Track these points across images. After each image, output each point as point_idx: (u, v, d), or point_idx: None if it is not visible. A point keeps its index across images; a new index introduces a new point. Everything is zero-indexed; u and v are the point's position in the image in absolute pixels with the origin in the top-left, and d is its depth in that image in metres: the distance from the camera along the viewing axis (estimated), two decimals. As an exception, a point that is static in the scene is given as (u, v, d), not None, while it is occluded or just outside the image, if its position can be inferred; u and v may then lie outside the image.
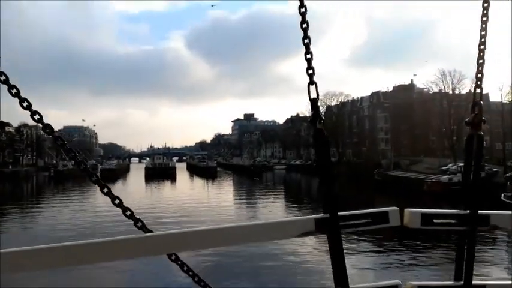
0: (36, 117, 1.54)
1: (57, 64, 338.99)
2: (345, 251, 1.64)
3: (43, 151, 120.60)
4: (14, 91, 1.47)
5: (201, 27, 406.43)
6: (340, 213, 1.56)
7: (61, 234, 23.27)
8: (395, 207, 1.62)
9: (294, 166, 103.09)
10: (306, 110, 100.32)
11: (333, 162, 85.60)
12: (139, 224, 1.64)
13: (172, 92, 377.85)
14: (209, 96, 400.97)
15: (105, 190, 1.62)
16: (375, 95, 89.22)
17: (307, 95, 1.61)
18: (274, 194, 48.09)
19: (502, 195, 30.97)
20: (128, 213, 1.65)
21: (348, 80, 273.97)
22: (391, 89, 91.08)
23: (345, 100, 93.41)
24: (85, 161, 1.78)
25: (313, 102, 1.61)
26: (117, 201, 1.63)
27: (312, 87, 1.61)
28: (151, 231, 1.57)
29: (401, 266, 16.55)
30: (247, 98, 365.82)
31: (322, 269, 14.34)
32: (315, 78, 1.62)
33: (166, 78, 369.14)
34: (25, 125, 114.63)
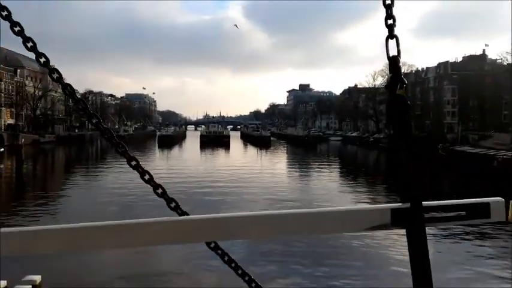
0: (55, 75, 1.32)
1: (122, 33, 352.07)
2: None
3: (106, 117, 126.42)
4: (29, 44, 1.28)
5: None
6: (424, 203, 1.25)
7: (118, 196, 24.42)
8: (499, 198, 1.29)
9: (350, 138, 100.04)
10: (365, 81, 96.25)
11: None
12: (173, 204, 1.39)
13: (229, 61, 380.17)
14: (265, 66, 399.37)
15: (134, 163, 1.37)
16: (442, 65, 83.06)
17: (385, 53, 1.27)
18: (329, 166, 46.66)
19: None
20: (160, 191, 1.41)
21: (414, 51, 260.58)
22: (460, 59, 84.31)
23: (409, 71, 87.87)
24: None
25: (393, 61, 1.27)
26: (147, 177, 1.39)
27: (392, 42, 1.28)
28: (186, 214, 1.35)
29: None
30: (303, 69, 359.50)
31: (395, 263, 12.23)
32: (396, 31, 1.28)
33: (224, 48, 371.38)
34: (90, 92, 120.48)
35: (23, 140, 68.01)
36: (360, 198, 25.13)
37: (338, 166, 48.37)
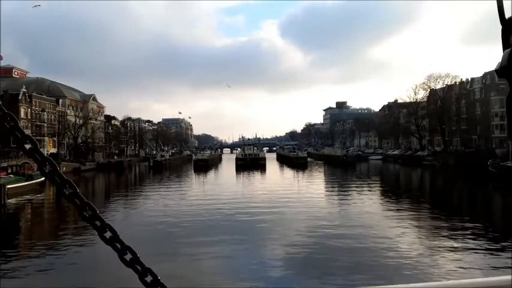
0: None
1: (160, 59, 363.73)
2: None
3: (144, 142, 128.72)
4: None
5: (294, 14, 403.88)
6: None
7: (157, 219, 24.91)
8: None
9: (392, 156, 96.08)
10: (405, 96, 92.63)
11: (438, 151, 77.65)
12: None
13: (265, 82, 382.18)
14: (301, 84, 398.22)
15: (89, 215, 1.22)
16: (488, 75, 78.43)
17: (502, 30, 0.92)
18: (370, 186, 44.00)
19: None
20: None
21: (459, 61, 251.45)
22: (507, 68, 79.58)
23: (452, 82, 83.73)
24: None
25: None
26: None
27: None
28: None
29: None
30: (339, 85, 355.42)
31: None
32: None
33: (260, 68, 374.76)
34: (128, 118, 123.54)
35: (64, 168, 69.56)
36: (403, 222, 22.78)
37: (379, 187, 45.56)
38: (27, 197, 38.35)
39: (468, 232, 19.32)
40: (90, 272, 14.25)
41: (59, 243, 19.13)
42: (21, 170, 48.97)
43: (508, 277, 1.35)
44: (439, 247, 16.89)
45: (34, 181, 46.75)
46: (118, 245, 1.23)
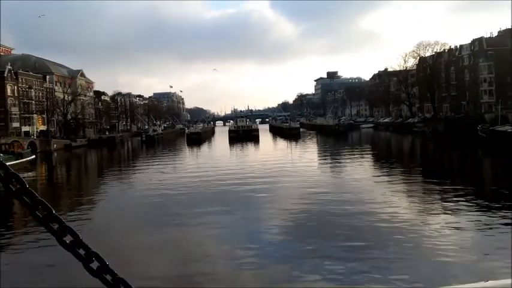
0: None
1: (149, 34, 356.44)
2: None
3: (136, 117, 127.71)
4: None
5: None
6: None
7: (152, 193, 25.06)
8: None
9: (383, 124, 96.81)
10: (395, 64, 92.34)
11: (428, 118, 78.18)
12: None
13: (255, 53, 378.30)
14: (291, 55, 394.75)
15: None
16: (477, 41, 78.31)
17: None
18: (362, 154, 44.51)
19: None
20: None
21: (447, 28, 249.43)
22: (495, 34, 79.28)
23: (441, 50, 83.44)
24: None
25: None
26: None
27: None
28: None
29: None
30: (330, 55, 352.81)
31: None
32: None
33: (250, 40, 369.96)
34: (119, 94, 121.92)
35: (55, 145, 69.12)
36: (395, 187, 23.34)
37: (371, 154, 46.13)
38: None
39: (459, 194, 19.80)
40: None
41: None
42: (11, 149, 48.62)
43: (508, 281, 1.41)
44: (430, 209, 17.35)
45: (24, 159, 46.50)
46: (81, 252, 1.06)
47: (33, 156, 50.87)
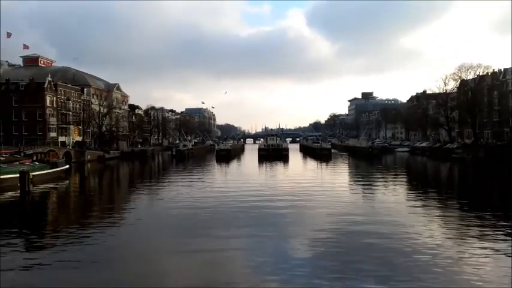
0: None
1: (184, 49, 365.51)
2: None
3: (167, 132, 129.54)
4: None
5: (321, 2, 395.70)
6: None
7: (180, 208, 24.98)
8: None
9: (419, 148, 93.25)
10: (435, 86, 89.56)
11: (468, 144, 74.60)
12: None
13: (289, 72, 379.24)
14: (327, 75, 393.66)
15: None
16: (523, 64, 74.73)
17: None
18: (396, 179, 42.46)
19: None
20: None
21: (491, 50, 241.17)
22: (544, 57, 75.57)
23: (484, 73, 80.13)
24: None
25: None
26: None
27: None
28: None
29: None
30: (366, 75, 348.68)
31: None
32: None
33: (285, 58, 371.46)
34: (152, 108, 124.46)
35: (89, 156, 70.49)
36: (430, 218, 21.54)
37: (406, 180, 43.91)
38: (52, 184, 38.62)
39: (500, 231, 17.94)
40: (111, 264, 14.08)
41: (83, 232, 18.93)
42: (46, 158, 49.54)
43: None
44: (468, 246, 15.75)
45: (59, 168, 47.23)
46: None
47: (67, 166, 51.72)
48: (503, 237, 16.60)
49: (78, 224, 21.22)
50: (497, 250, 14.78)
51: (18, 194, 30.99)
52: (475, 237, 16.75)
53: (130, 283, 12.21)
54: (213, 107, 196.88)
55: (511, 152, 58.09)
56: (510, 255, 14.10)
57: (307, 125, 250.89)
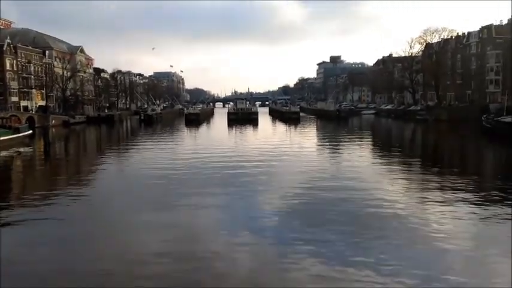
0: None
1: (152, 12, 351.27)
2: None
3: (135, 96, 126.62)
4: None
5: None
6: None
7: (147, 171, 25.03)
8: None
9: (385, 111, 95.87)
10: (401, 50, 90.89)
11: (432, 106, 77.17)
12: None
13: (259, 35, 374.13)
14: (296, 38, 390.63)
15: None
16: (486, 29, 76.74)
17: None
18: (361, 140, 43.90)
19: None
20: None
21: (455, 15, 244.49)
22: (505, 22, 77.66)
23: (449, 36, 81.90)
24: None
25: None
26: None
27: None
28: None
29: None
30: (335, 39, 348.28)
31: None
32: None
33: (254, 21, 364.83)
34: (119, 71, 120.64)
35: (53, 121, 68.49)
36: (393, 175, 22.77)
37: (371, 141, 45.49)
38: (15, 150, 37.57)
39: (458, 184, 19.30)
40: (78, 232, 13.86)
41: (49, 196, 18.75)
42: (8, 123, 47.94)
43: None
44: (428, 198, 16.84)
45: (21, 134, 45.89)
46: None
47: (31, 131, 50.22)
48: (461, 194, 17.42)
49: (43, 191, 20.43)
50: (456, 206, 15.62)
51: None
52: (435, 193, 17.65)
53: (99, 251, 11.88)
54: (181, 71, 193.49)
55: (472, 113, 60.68)
56: (467, 212, 14.90)
57: (276, 88, 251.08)
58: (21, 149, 38.82)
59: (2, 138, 40.12)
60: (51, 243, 12.63)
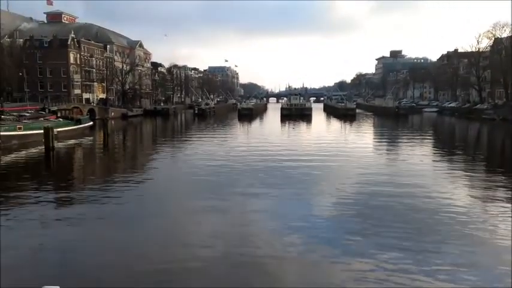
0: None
1: (210, 6, 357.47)
2: None
3: (190, 90, 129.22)
4: None
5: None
6: None
7: (203, 165, 24.95)
8: None
9: (448, 109, 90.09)
10: (468, 45, 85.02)
11: (499, 104, 71.41)
12: None
13: (317, 28, 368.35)
14: (353, 32, 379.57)
15: None
16: None
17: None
18: (422, 140, 41.19)
19: None
20: None
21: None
22: None
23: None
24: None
25: None
26: None
27: None
28: None
29: None
30: (397, 33, 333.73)
31: None
32: None
33: (313, 13, 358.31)
34: (175, 66, 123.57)
35: (112, 113, 71.23)
36: (456, 179, 20.76)
37: (432, 140, 42.57)
38: (76, 141, 39.18)
39: None
40: (134, 221, 14.11)
41: (108, 185, 19.69)
42: (71, 114, 50.24)
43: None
44: (494, 206, 15.34)
45: (83, 125, 47.85)
46: None
47: (91, 123, 52.38)
48: None
49: (102, 180, 21.40)
50: None
51: (43, 150, 31.49)
52: (502, 200, 16.12)
53: (151, 241, 12.11)
54: (236, 66, 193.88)
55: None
56: None
57: (332, 84, 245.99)
58: (83, 140, 40.47)
59: (64, 128, 41.98)
60: (111, 225, 13.61)
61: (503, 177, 21.08)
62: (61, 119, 46.43)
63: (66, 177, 23.06)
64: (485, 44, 79.33)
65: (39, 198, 16.79)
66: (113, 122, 65.26)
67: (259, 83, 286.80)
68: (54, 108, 56.02)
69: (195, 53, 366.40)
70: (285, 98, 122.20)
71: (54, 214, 14.86)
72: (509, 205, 15.15)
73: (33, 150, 32.51)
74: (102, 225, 13.51)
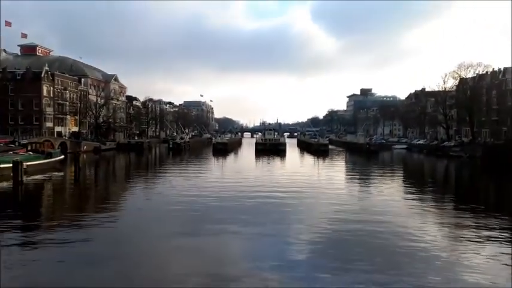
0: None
1: (188, 42, 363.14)
2: None
3: (165, 124, 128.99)
4: None
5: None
6: None
7: (176, 200, 25.04)
8: None
9: (417, 146, 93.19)
10: (434, 84, 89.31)
11: (466, 142, 74.45)
12: None
13: (290, 67, 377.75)
14: (327, 71, 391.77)
15: None
16: (523, 64, 74.40)
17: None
18: (392, 175, 42.40)
19: None
20: None
21: (491, 50, 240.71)
22: (544, 57, 75.29)
23: (484, 72, 79.84)
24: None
25: None
26: None
27: None
28: None
29: None
30: (367, 72, 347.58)
31: None
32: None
33: (287, 53, 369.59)
34: (150, 100, 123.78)
35: (85, 147, 70.08)
36: (425, 213, 21.68)
37: (402, 176, 43.85)
38: (46, 175, 38.22)
39: (494, 226, 18.27)
40: (109, 257, 13.96)
41: (77, 222, 19.16)
42: (41, 148, 49.13)
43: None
44: (462, 239, 16.16)
45: (53, 159, 46.82)
46: None
47: (62, 157, 51.26)
48: (497, 235, 16.67)
49: (70, 218, 20.49)
50: (492, 247, 14.94)
51: (11, 184, 30.60)
52: (470, 235, 16.78)
53: (128, 275, 12.10)
54: (211, 100, 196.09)
55: (509, 151, 57.93)
56: (507, 253, 14.10)
57: (305, 120, 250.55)
58: (53, 174, 39.51)
59: (34, 162, 41.00)
60: (78, 264, 13.01)
61: (472, 214, 21.63)
62: (31, 153, 45.36)
63: (33, 214, 22.06)
64: (451, 83, 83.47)
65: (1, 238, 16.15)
66: (84, 156, 64.12)
67: (234, 118, 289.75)
68: (25, 141, 54.77)
69: (171, 88, 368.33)
70: (260, 133, 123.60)
71: (17, 258, 13.95)
72: (478, 242, 15.71)
73: (1, 185, 31.55)
74: (63, 268, 12.86)
